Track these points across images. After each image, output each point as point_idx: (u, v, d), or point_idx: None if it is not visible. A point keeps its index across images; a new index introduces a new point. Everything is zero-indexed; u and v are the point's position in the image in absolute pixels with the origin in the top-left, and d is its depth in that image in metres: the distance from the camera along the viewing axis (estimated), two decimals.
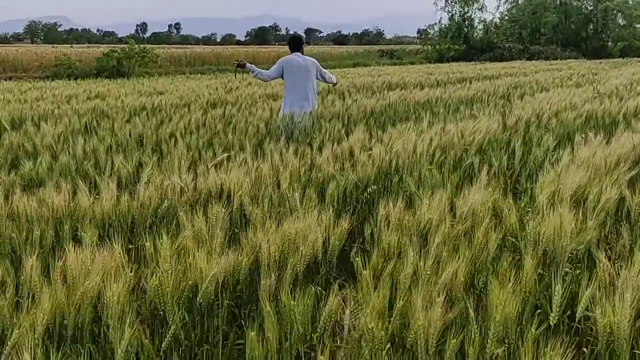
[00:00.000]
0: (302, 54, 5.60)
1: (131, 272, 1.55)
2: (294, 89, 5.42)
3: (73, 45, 34.93)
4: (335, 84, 6.26)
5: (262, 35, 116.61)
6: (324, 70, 5.72)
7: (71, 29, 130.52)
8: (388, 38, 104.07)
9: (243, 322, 1.87)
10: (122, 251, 1.62)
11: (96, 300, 1.46)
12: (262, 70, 5.60)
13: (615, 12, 37.82)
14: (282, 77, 5.51)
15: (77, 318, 1.43)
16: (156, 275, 1.50)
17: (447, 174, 3.35)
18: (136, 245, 2.16)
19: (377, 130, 4.92)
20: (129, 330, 1.29)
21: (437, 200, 2.31)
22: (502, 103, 7.24)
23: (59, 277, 1.46)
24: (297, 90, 5.41)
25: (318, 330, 1.47)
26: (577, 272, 2.04)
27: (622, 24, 39.02)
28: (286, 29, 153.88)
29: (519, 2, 40.58)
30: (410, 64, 28.78)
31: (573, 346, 1.77)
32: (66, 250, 1.51)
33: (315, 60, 5.61)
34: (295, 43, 5.70)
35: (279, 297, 1.57)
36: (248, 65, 5.62)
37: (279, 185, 2.96)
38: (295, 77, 5.40)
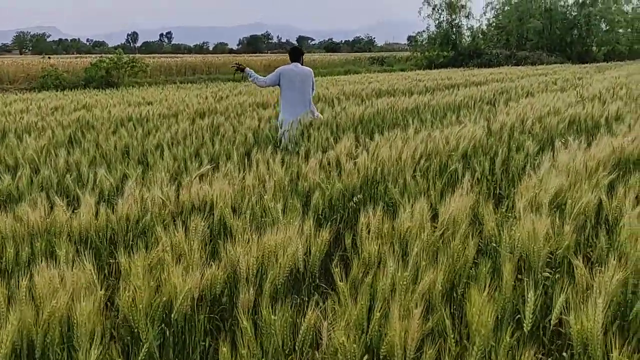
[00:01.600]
0: (302, 64, 5.72)
1: (103, 289, 1.53)
2: (290, 97, 5.53)
3: (51, 56, 34.60)
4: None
5: (254, 44, 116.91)
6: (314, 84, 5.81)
7: (60, 39, 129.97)
8: (379, 45, 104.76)
9: (225, 337, 1.86)
10: (95, 268, 1.60)
11: (65, 319, 1.44)
12: (260, 77, 5.75)
13: (598, 17, 38.41)
14: (278, 85, 5.62)
15: (46, 338, 1.41)
16: (128, 292, 1.48)
17: (431, 181, 3.36)
18: (115, 261, 2.14)
19: (365, 138, 4.94)
20: (96, 351, 1.27)
21: (419, 208, 2.31)
22: (487, 109, 7.29)
23: (24, 297, 1.44)
24: (294, 99, 5.52)
25: (297, 344, 1.47)
26: (557, 276, 2.05)
27: (605, 29, 39.62)
28: (278, 37, 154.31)
29: (505, 9, 41.06)
30: (400, 71, 28.94)
31: (547, 352, 1.78)
32: (33, 268, 1.49)
33: (311, 72, 5.72)
34: (295, 53, 5.83)
35: (258, 311, 1.56)
36: (247, 69, 5.78)
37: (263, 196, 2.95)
38: (292, 86, 5.52)
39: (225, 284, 1.89)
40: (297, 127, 5.12)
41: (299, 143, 4.82)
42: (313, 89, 5.74)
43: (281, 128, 5.25)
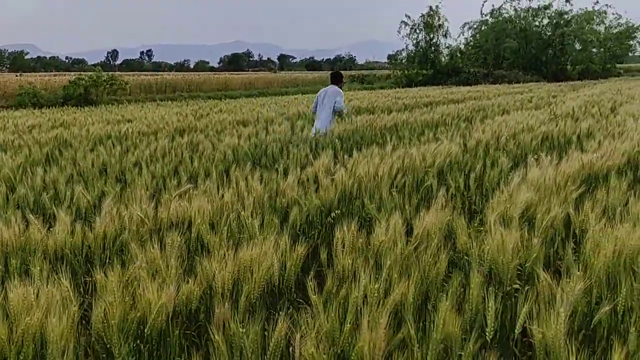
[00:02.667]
0: (341, 87, 7.15)
1: (77, 305, 1.54)
2: (319, 114, 7.04)
3: (29, 74, 34.23)
4: (342, 113, 7.30)
5: (235, 62, 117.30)
6: (340, 99, 7.00)
7: (39, 57, 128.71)
8: (360, 64, 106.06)
9: (199, 352, 1.87)
10: (71, 285, 1.60)
11: (39, 336, 1.44)
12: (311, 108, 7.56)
13: (572, 37, 39.61)
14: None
15: (19, 355, 1.41)
16: (101, 308, 1.49)
17: (407, 196, 3.43)
18: (91, 278, 2.14)
19: (344, 155, 5.01)
20: None
21: (393, 223, 2.36)
22: (464, 126, 7.45)
23: None
24: (321, 115, 6.97)
25: (268, 357, 1.49)
26: (527, 288, 2.11)
27: (578, 48, 40.85)
28: (259, 55, 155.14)
29: (482, 29, 42.11)
30: (380, 89, 29.34)
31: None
32: (6, 285, 1.49)
33: (340, 91, 7.02)
34: (334, 77, 7.24)
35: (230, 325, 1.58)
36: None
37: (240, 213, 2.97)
38: (321, 104, 6.99)
39: (202, 299, 1.90)
40: (319, 132, 6.43)
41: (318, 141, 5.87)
42: (337, 105, 6.95)
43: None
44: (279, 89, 30.90)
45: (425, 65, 37.00)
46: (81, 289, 2.22)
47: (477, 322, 1.74)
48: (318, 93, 7.12)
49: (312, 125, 7.80)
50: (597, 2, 42.62)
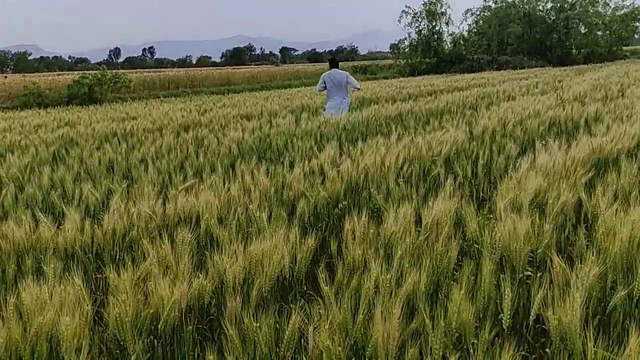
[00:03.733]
0: (338, 69, 8.40)
1: (90, 303, 1.54)
2: (331, 93, 8.19)
3: (33, 75, 34.34)
4: (360, 89, 9.15)
5: (237, 56, 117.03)
6: (351, 78, 8.36)
7: (42, 57, 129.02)
8: (362, 54, 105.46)
9: (213, 346, 1.87)
10: (83, 283, 1.60)
11: (53, 334, 1.45)
12: (316, 87, 8.66)
13: (576, 20, 39.15)
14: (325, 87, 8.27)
15: (34, 353, 1.41)
16: (114, 306, 1.49)
17: (414, 186, 3.41)
18: (102, 275, 2.15)
19: (349, 146, 4.99)
20: None
21: (402, 213, 2.35)
22: (470, 113, 7.40)
23: (12, 313, 1.44)
24: (333, 93, 8.16)
25: (282, 349, 1.49)
26: (539, 274, 2.10)
27: (583, 31, 40.39)
28: (261, 48, 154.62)
29: (485, 15, 41.71)
30: (383, 79, 29.20)
31: (532, 349, 1.82)
32: (19, 285, 1.49)
33: (347, 74, 8.30)
34: (333, 62, 8.59)
35: (243, 319, 1.58)
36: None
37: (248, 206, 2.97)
38: (333, 85, 8.15)
39: (214, 294, 1.90)
40: (335, 111, 7.65)
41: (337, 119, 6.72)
42: (350, 83, 8.24)
43: (325, 111, 8.08)
44: (282, 82, 30.83)
45: (429, 54, 36.75)
46: (92, 287, 2.23)
47: (490, 310, 1.73)
48: (323, 76, 8.26)
49: (316, 116, 7.96)
50: None
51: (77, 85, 19.38)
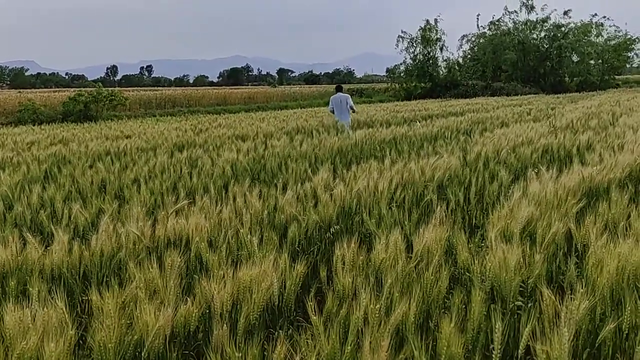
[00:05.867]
0: (343, 92, 10.60)
1: (74, 328, 1.51)
2: (337, 112, 10.41)
3: (29, 91, 34.42)
4: (355, 111, 11.27)
5: (234, 76, 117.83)
6: (350, 101, 10.42)
7: (39, 73, 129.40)
8: (358, 77, 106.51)
9: None
10: (66, 306, 1.58)
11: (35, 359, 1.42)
12: (328, 109, 11.51)
13: (569, 49, 39.83)
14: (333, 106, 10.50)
15: None
16: (98, 331, 1.46)
17: (406, 211, 3.40)
18: (87, 298, 2.11)
19: (342, 169, 5.00)
20: None
21: (393, 240, 2.34)
22: (464, 139, 7.45)
23: None
24: (338, 112, 10.37)
25: None
26: (529, 305, 2.08)
27: (576, 60, 41.07)
28: (258, 69, 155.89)
29: (480, 42, 42.38)
30: (379, 102, 29.45)
31: None
32: (3, 308, 1.46)
33: (348, 97, 10.47)
34: (339, 87, 10.82)
35: (232, 346, 1.55)
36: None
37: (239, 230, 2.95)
38: (337, 106, 10.38)
39: (200, 319, 1.87)
40: (341, 125, 9.80)
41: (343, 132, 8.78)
42: (350, 105, 10.34)
43: (338, 123, 10.07)
44: (278, 103, 31.01)
45: (424, 79, 37.19)
46: (78, 309, 2.19)
47: (480, 342, 1.71)
48: (331, 98, 10.61)
49: (311, 138, 8.14)
50: (595, 14, 42.88)
51: (72, 102, 19.38)
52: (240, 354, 1.41)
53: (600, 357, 1.81)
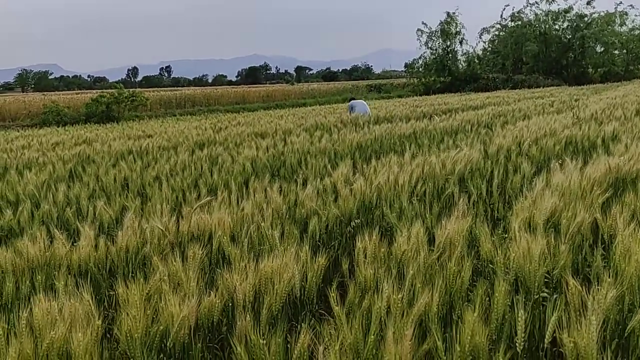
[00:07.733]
0: (356, 99, 12.66)
1: (100, 319, 1.54)
2: (359, 110, 11.52)
3: (52, 93, 35.18)
4: (368, 113, 11.90)
5: (252, 75, 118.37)
6: (360, 106, 11.87)
7: (62, 76, 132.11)
8: (377, 73, 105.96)
9: None
10: (93, 299, 1.61)
11: (64, 350, 1.45)
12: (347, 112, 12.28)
13: (593, 39, 38.95)
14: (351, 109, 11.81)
15: None
16: (124, 322, 1.49)
17: (427, 204, 3.38)
18: (114, 292, 2.15)
19: (362, 164, 4.99)
20: None
21: (415, 232, 2.33)
22: (484, 132, 7.36)
23: (24, 329, 1.45)
24: (360, 110, 11.51)
25: None
26: (555, 296, 2.05)
27: (600, 50, 40.14)
28: (276, 67, 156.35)
29: (500, 34, 41.75)
30: (398, 97, 29.28)
31: None
32: (32, 301, 1.50)
33: (363, 102, 12.28)
34: (352, 98, 12.88)
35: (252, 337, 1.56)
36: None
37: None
38: (358, 105, 11.87)
39: (224, 311, 1.89)
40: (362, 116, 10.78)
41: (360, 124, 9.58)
42: (366, 108, 11.82)
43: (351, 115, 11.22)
44: (297, 100, 31.08)
45: (443, 73, 36.83)
46: (105, 303, 2.24)
47: (505, 332, 1.69)
48: (349, 103, 12.38)
49: (330, 134, 8.13)
50: (621, 2, 41.86)
51: (95, 104, 19.75)
52: (264, 342, 1.42)
53: (630, 347, 1.78)
